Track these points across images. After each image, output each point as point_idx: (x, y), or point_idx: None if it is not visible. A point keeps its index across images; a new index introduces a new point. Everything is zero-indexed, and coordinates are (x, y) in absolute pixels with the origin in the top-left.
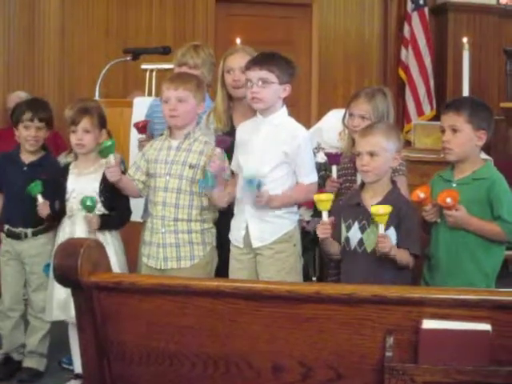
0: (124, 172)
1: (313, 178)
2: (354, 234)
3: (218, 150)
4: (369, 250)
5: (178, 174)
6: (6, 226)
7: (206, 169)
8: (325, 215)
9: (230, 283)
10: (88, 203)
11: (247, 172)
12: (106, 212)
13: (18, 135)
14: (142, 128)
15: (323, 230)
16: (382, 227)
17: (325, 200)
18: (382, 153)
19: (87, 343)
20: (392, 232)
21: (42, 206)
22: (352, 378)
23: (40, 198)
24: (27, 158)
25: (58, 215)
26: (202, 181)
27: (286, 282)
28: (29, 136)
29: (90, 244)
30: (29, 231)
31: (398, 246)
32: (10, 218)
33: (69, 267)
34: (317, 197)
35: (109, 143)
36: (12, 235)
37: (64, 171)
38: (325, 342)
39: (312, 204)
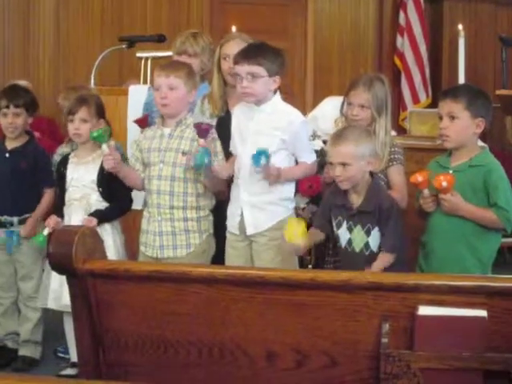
0: (124, 159)
1: (313, 157)
2: (343, 233)
3: (202, 141)
4: (357, 249)
5: (171, 161)
6: None
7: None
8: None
9: (224, 270)
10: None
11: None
12: (105, 203)
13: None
14: (143, 122)
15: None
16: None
17: (299, 234)
18: (353, 162)
19: (82, 331)
20: (377, 232)
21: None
22: (347, 365)
23: (47, 231)
24: (10, 144)
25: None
26: (197, 159)
27: (280, 268)
28: (6, 123)
29: (84, 232)
30: (15, 220)
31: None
32: None
33: (64, 255)
34: (288, 239)
35: (94, 134)
36: None
37: (64, 161)
38: (320, 328)
39: (306, 191)
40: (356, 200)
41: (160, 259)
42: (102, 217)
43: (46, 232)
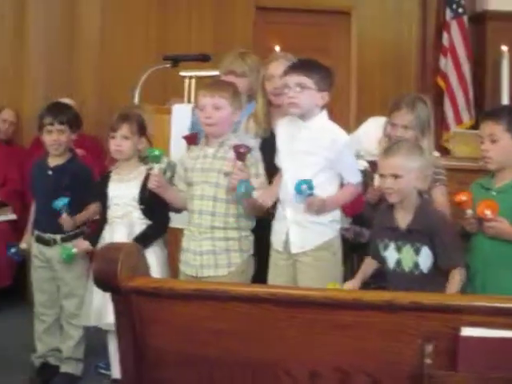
0: (173, 175)
1: (358, 177)
2: (391, 254)
3: (239, 163)
4: (406, 269)
5: (213, 182)
6: (36, 232)
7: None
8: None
9: (267, 289)
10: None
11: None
12: (146, 220)
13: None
14: (192, 139)
15: None
16: None
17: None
18: (404, 174)
19: (126, 348)
20: (426, 252)
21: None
22: None
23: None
24: (53, 161)
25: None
26: (237, 193)
27: (323, 288)
28: (50, 140)
29: (129, 249)
30: (58, 237)
31: (439, 265)
32: (39, 224)
33: (108, 272)
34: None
35: (156, 153)
36: (41, 241)
37: (105, 178)
38: (362, 349)
39: (350, 211)
40: (403, 219)
41: (200, 278)
42: (144, 243)
43: (74, 250)
